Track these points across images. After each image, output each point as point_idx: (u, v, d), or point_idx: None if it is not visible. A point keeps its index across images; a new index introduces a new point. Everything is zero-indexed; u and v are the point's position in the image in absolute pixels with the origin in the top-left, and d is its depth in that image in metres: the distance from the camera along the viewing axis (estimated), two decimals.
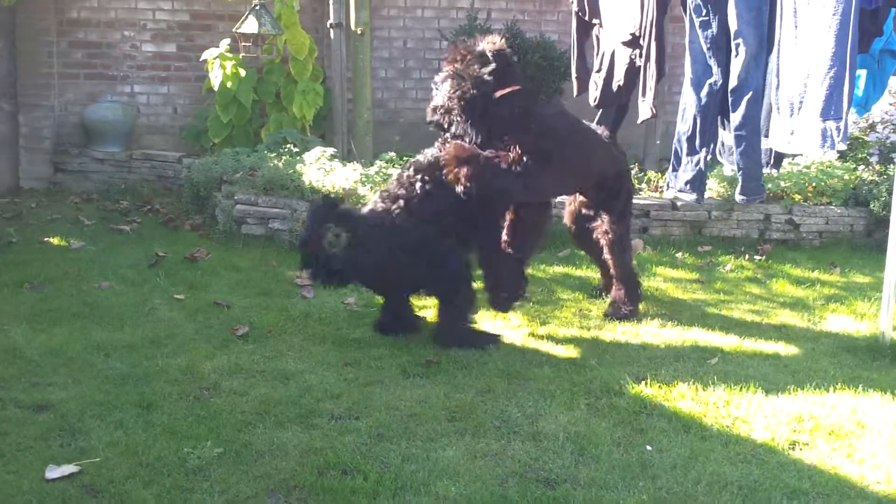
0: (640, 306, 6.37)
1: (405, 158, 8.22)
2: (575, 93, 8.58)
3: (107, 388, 4.73)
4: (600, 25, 8.28)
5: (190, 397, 4.69)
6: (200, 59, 9.64)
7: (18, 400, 4.54)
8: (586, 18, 8.38)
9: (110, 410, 4.47)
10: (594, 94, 8.22)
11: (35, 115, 9.83)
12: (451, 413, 4.63)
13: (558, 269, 7.35)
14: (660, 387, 5.02)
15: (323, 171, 7.90)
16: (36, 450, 4.07)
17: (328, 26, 9.53)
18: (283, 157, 8.23)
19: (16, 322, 5.66)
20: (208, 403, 4.62)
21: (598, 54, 8.32)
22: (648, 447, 4.33)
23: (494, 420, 4.57)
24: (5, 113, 9.69)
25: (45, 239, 7.65)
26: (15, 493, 3.70)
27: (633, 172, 8.99)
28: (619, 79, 7.67)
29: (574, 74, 8.48)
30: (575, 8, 8.32)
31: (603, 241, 6.30)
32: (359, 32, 8.92)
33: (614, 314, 6.26)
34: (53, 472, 3.85)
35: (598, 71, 8.21)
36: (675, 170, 7.32)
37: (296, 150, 8.47)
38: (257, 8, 9.13)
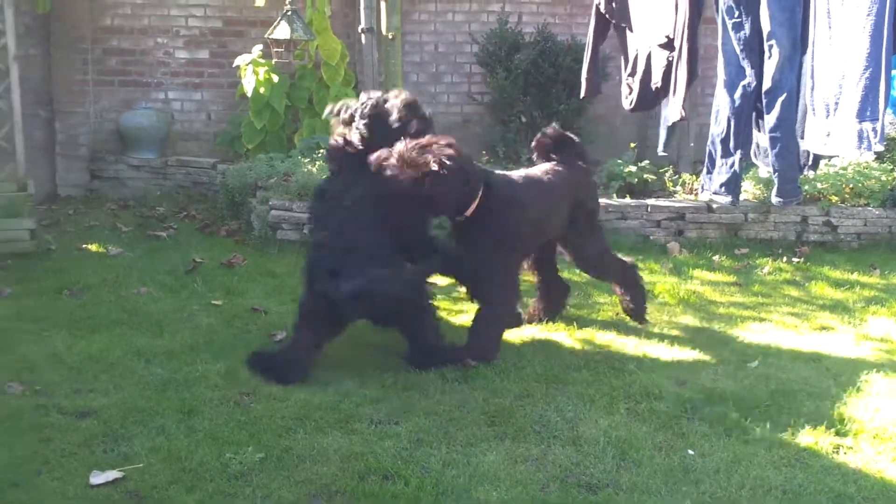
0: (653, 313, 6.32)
1: None
2: (582, 94, 8.56)
3: (148, 394, 4.76)
4: (629, 28, 8.26)
5: (230, 402, 4.71)
6: (233, 66, 9.68)
7: (61, 406, 4.57)
8: (612, 20, 8.35)
9: (152, 416, 4.49)
10: (629, 97, 8.19)
11: (71, 122, 9.91)
12: (490, 418, 4.62)
13: None
14: (700, 390, 4.99)
15: None
16: (80, 456, 4.10)
17: (359, 31, 9.55)
18: (317, 163, 8.25)
19: (56, 329, 5.70)
20: (249, 409, 4.64)
21: (626, 57, 8.30)
22: (690, 451, 4.31)
23: (534, 424, 4.56)
24: (41, 120, 9.77)
25: (84, 246, 7.71)
26: (60, 499, 3.73)
27: (666, 175, 8.97)
28: (656, 81, 7.65)
29: (585, 76, 8.46)
30: (602, 9, 8.29)
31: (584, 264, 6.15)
32: (390, 37, 8.92)
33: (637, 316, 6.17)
34: (97, 478, 3.88)
35: (632, 74, 8.18)
36: (709, 172, 7.29)
37: None
38: (289, 14, 9.16)
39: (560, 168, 5.87)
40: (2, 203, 7.20)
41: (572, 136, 6.08)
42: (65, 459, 4.06)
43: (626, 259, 6.31)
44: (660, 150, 8.08)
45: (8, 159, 7.60)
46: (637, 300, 6.12)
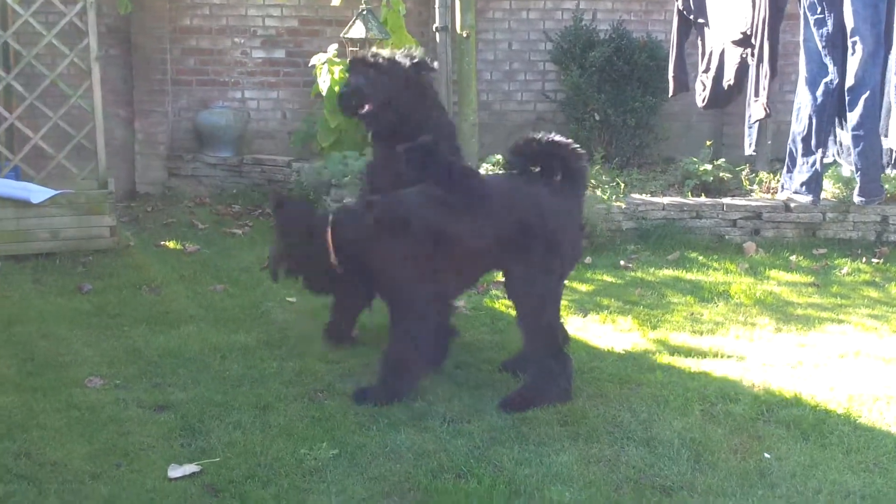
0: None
1: None
2: (671, 93, 8.49)
3: (224, 389, 4.83)
4: (706, 25, 8.18)
5: (305, 399, 4.75)
6: (309, 65, 9.75)
7: (140, 400, 4.67)
8: (691, 17, 8.28)
9: (228, 411, 4.56)
10: (702, 94, 8.13)
11: (150, 121, 10.07)
12: (563, 417, 4.60)
13: (668, 273, 7.26)
14: (777, 392, 4.92)
15: None
16: (158, 449, 4.17)
17: (434, 30, 9.55)
18: None
19: (135, 324, 5.81)
20: (323, 405, 4.68)
21: (703, 54, 8.22)
22: (766, 455, 4.25)
23: (607, 425, 4.53)
24: (122, 119, 9.95)
25: (161, 242, 7.84)
26: (139, 492, 3.81)
27: (743, 173, 8.85)
28: (729, 78, 7.57)
29: (671, 74, 8.39)
30: (680, 6, 8.24)
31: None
32: (464, 35, 8.91)
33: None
34: (175, 472, 3.95)
35: (706, 71, 8.11)
36: (789, 171, 7.20)
37: None
38: (364, 13, 9.21)
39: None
40: (83, 201, 7.35)
41: (568, 147, 4.87)
42: (143, 452, 4.14)
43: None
44: (748, 150, 7.96)
45: (90, 158, 7.76)
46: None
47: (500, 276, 6.91)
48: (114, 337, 5.56)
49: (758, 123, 7.82)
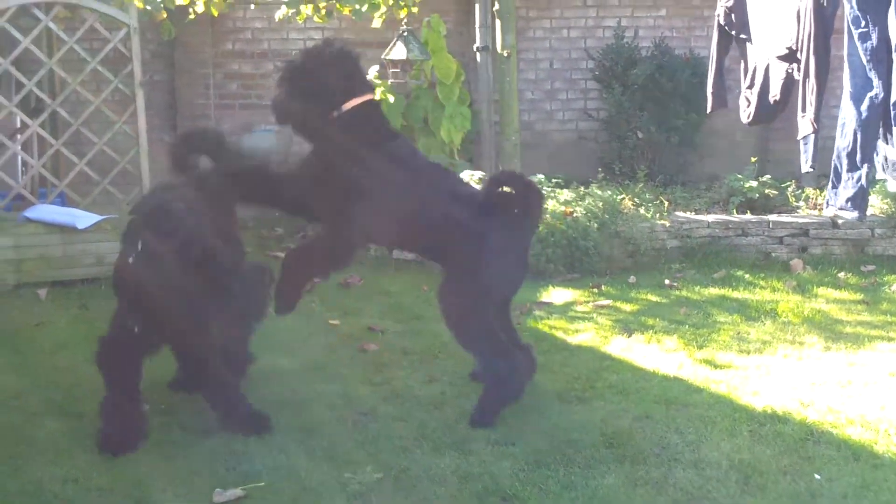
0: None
1: (553, 181, 8.19)
2: (709, 109, 8.42)
3: (268, 413, 4.82)
4: (749, 40, 8.10)
5: (348, 422, 4.75)
6: None
7: (185, 424, 4.68)
8: (732, 32, 8.21)
9: (272, 435, 4.56)
10: (747, 110, 8.04)
11: None
12: (608, 439, 4.55)
13: (714, 291, 7.18)
14: (827, 412, 4.84)
15: None
16: (203, 474, 4.18)
17: (474, 50, 9.58)
18: None
19: None
20: (366, 428, 4.67)
21: (746, 70, 8.13)
22: (817, 476, 4.18)
23: (654, 447, 4.48)
24: (165, 143, 10.02)
25: None
26: None
27: (789, 190, 8.74)
28: (774, 94, 7.48)
29: (710, 90, 8.31)
30: (721, 21, 8.16)
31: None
32: (505, 55, 8.92)
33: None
34: (220, 496, 3.95)
35: (750, 87, 8.02)
36: (834, 187, 7.08)
37: None
38: (405, 34, 9.24)
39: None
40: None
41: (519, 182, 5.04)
42: (189, 477, 4.15)
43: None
44: (805, 167, 7.84)
45: (134, 183, 7.83)
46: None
47: (542, 297, 6.94)
48: (158, 363, 5.55)
49: (812, 139, 7.72)
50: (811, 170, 7.81)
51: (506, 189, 4.97)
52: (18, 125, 8.27)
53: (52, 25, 7.68)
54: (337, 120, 4.99)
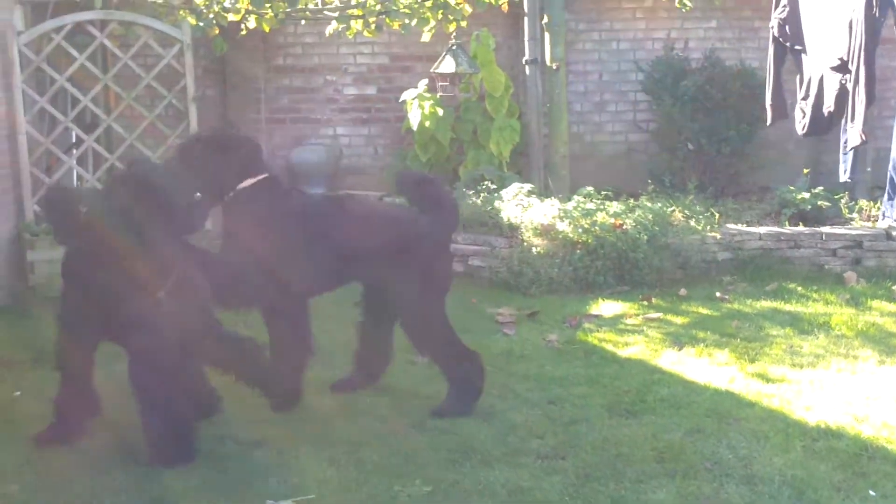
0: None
1: (603, 193, 8.17)
2: (769, 121, 8.37)
3: (318, 426, 4.86)
4: (803, 51, 8.05)
5: (398, 435, 4.75)
6: (399, 100, 9.86)
7: (237, 436, 4.71)
8: (787, 44, 8.16)
9: (322, 447, 4.58)
10: (802, 121, 8.00)
11: None
12: (659, 454, 4.52)
13: (766, 304, 7.10)
14: (882, 427, 4.77)
15: (521, 207, 7.93)
16: (255, 485, 4.21)
17: (523, 63, 9.59)
18: (482, 194, 8.30)
19: None
20: (415, 441, 4.68)
21: (801, 81, 8.08)
22: (872, 492, 4.12)
23: (705, 461, 4.44)
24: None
25: None
26: None
27: (842, 201, 8.63)
28: (829, 105, 7.43)
29: (769, 102, 8.27)
30: (776, 33, 8.13)
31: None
32: (554, 67, 8.94)
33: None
34: None
35: (805, 98, 7.98)
36: (890, 198, 7.03)
37: (493, 186, 8.53)
38: (454, 48, 9.28)
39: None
40: None
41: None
42: (241, 488, 4.18)
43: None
44: (842, 177, 7.78)
45: None
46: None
47: (591, 309, 6.91)
48: (210, 374, 5.62)
49: (853, 150, 7.63)
50: (849, 180, 7.74)
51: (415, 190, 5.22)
52: (74, 140, 8.42)
53: (106, 42, 7.82)
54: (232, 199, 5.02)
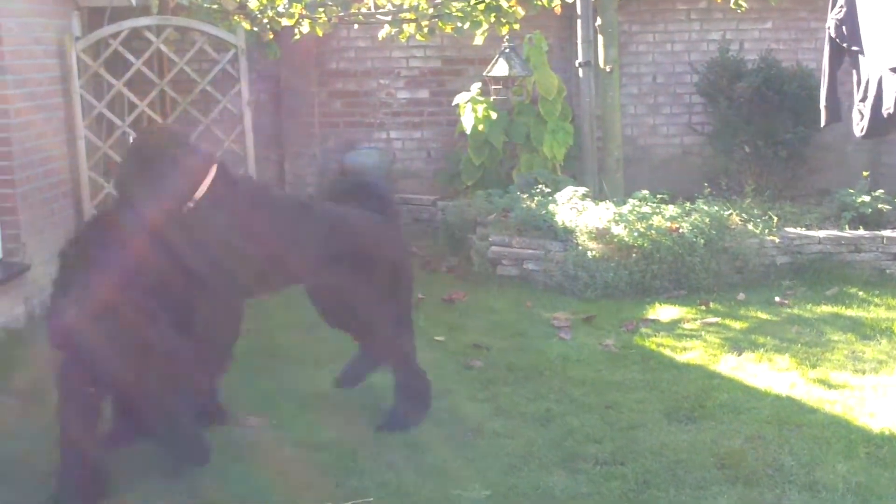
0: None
1: (658, 196, 8.10)
2: (823, 122, 8.23)
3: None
4: (861, 52, 7.91)
5: (455, 439, 4.75)
6: (452, 104, 9.85)
7: (297, 440, 4.73)
8: (844, 45, 8.03)
9: (381, 451, 4.59)
10: (860, 124, 7.84)
11: (299, 163, 10.30)
12: (720, 460, 4.48)
13: (826, 309, 6.99)
14: None
15: (575, 210, 7.87)
16: (314, 488, 4.23)
17: (577, 65, 9.54)
18: (535, 198, 8.27)
19: (291, 364, 5.92)
20: (474, 446, 4.67)
21: (859, 82, 7.94)
22: None
23: (767, 468, 4.39)
24: (272, 162, 10.19)
25: None
26: None
27: None
28: (888, 106, 7.28)
29: (823, 104, 8.13)
30: (832, 34, 8.00)
31: None
32: (608, 70, 8.87)
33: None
34: None
35: (863, 100, 7.83)
36: None
37: (547, 190, 8.49)
38: (507, 51, 9.25)
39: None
40: None
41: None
42: (300, 491, 4.20)
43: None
44: None
45: None
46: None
47: (648, 314, 6.86)
48: (270, 377, 5.66)
49: None
50: None
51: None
52: None
53: (163, 47, 7.89)
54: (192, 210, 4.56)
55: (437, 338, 6.40)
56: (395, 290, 5.04)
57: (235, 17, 8.16)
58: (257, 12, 8.19)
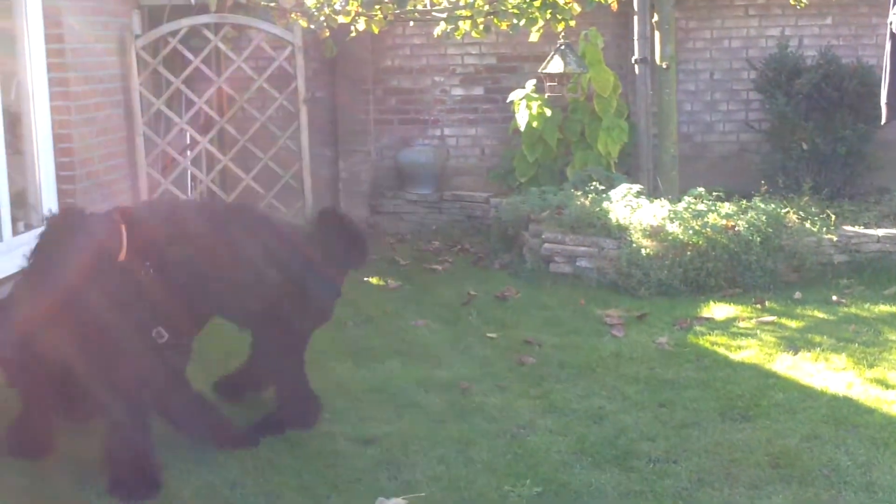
0: None
1: (714, 194, 8.03)
2: (883, 120, 8.12)
3: (428, 424, 4.89)
4: None
5: (507, 435, 4.75)
6: (507, 101, 9.84)
7: (347, 434, 4.77)
8: None
9: (432, 446, 4.60)
10: None
11: (353, 160, 10.35)
12: (774, 459, 4.44)
13: (885, 308, 6.87)
14: None
15: (629, 208, 7.84)
16: (365, 482, 4.25)
17: (632, 62, 9.49)
18: (589, 195, 8.23)
19: (341, 358, 5.95)
20: (525, 441, 4.67)
21: None
22: None
23: (822, 468, 4.34)
24: (326, 159, 10.26)
25: (365, 278, 8.00)
26: None
27: None
28: None
29: (884, 100, 8.01)
30: (893, 29, 7.87)
31: None
32: (664, 66, 8.81)
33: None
34: None
35: None
36: None
37: (601, 187, 8.45)
38: (562, 48, 9.23)
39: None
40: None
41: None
42: (351, 485, 4.23)
43: None
44: None
45: (297, 197, 8.05)
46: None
47: (702, 312, 6.80)
48: (321, 371, 5.69)
49: None
50: None
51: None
52: (188, 141, 8.61)
53: (220, 45, 7.98)
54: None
55: (489, 334, 6.41)
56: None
57: (292, 15, 8.22)
58: (314, 10, 8.25)
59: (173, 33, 7.85)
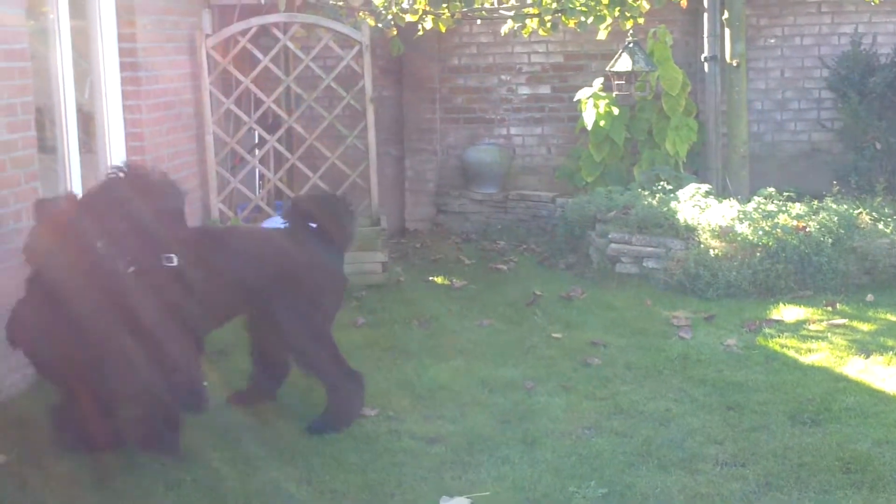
0: None
1: (785, 194, 7.91)
2: None
3: (492, 424, 4.88)
4: None
5: (572, 436, 4.73)
6: (573, 100, 9.79)
7: (412, 432, 4.78)
8: None
9: (497, 445, 4.60)
10: None
11: (419, 158, 10.38)
12: (845, 464, 4.36)
13: None
14: None
15: (698, 208, 7.75)
16: (430, 480, 4.26)
17: (702, 60, 9.40)
18: (657, 195, 8.16)
19: (406, 357, 5.97)
20: (590, 443, 4.64)
21: None
22: None
23: (894, 473, 4.25)
24: (392, 158, 10.31)
25: (430, 278, 8.02)
26: None
27: None
28: None
29: None
30: None
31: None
32: (734, 65, 8.71)
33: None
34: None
35: None
36: None
37: (669, 187, 8.38)
38: (630, 45, 9.16)
39: None
40: (357, 237, 7.64)
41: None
42: (416, 483, 4.23)
43: None
44: None
45: (363, 196, 8.08)
46: None
47: (771, 314, 6.70)
48: (386, 369, 5.73)
49: None
50: None
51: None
52: (257, 140, 8.70)
53: (289, 44, 8.04)
54: None
55: (554, 335, 6.38)
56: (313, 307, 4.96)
57: (360, 14, 8.27)
58: (381, 8, 8.29)
59: (243, 32, 7.92)
